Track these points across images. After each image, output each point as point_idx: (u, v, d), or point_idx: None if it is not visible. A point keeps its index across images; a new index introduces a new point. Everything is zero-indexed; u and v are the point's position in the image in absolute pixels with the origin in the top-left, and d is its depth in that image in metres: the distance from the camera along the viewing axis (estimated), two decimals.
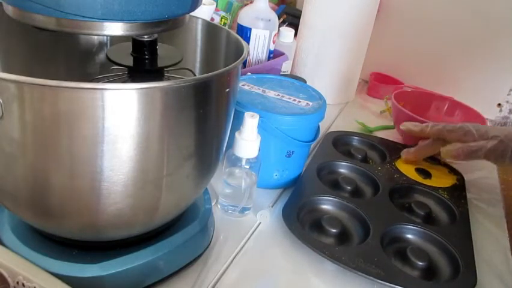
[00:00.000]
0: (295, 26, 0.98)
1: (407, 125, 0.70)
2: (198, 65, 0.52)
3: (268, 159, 0.57)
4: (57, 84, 0.28)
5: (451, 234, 0.54)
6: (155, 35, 0.40)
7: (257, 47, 0.83)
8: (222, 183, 0.54)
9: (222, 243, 0.50)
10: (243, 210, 0.54)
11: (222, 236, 0.51)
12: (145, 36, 0.40)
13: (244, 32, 0.82)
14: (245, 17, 0.82)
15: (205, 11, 0.85)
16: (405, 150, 0.71)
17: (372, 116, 0.93)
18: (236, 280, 0.45)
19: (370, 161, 0.71)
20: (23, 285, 0.34)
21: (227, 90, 0.38)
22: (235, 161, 0.52)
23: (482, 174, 0.76)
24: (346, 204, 0.57)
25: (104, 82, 0.45)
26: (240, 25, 0.83)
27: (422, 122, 0.73)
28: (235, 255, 0.49)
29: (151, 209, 0.38)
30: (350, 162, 0.67)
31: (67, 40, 0.49)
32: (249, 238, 0.52)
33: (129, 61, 0.41)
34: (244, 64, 0.83)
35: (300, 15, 0.93)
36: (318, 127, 0.62)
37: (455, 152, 0.63)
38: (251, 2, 0.86)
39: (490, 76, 0.97)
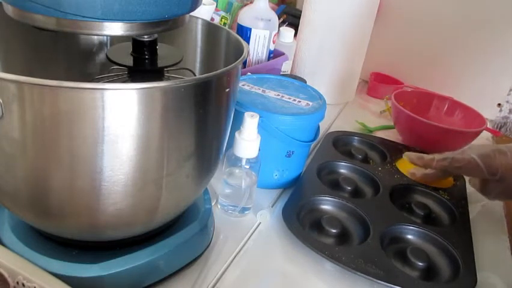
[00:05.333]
0: (295, 26, 0.98)
1: (409, 156, 0.65)
2: (198, 65, 0.52)
3: (268, 159, 0.57)
4: (58, 84, 0.28)
5: (451, 234, 0.54)
6: (155, 35, 0.40)
7: (257, 47, 0.83)
8: (222, 183, 0.54)
9: (222, 243, 0.50)
10: (243, 210, 0.54)
11: (222, 236, 0.51)
12: (145, 36, 0.40)
13: (244, 32, 0.82)
14: (245, 17, 0.82)
15: (205, 11, 0.85)
16: (411, 173, 0.67)
17: (372, 116, 0.93)
18: (236, 280, 0.45)
19: (370, 161, 0.71)
20: (23, 285, 0.34)
21: (227, 90, 0.38)
22: (235, 161, 0.52)
23: None
24: (346, 204, 0.57)
25: (104, 82, 0.45)
26: (240, 25, 0.83)
27: (422, 122, 0.73)
28: (235, 255, 0.49)
29: (151, 209, 0.38)
30: (350, 162, 0.67)
31: (67, 40, 0.49)
32: (249, 238, 0.52)
33: (129, 61, 0.41)
34: (244, 64, 0.83)
35: (300, 15, 0.93)
36: (318, 127, 0.62)
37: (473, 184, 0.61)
38: (251, 2, 0.86)
39: (490, 76, 0.97)
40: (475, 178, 0.61)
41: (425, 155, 0.63)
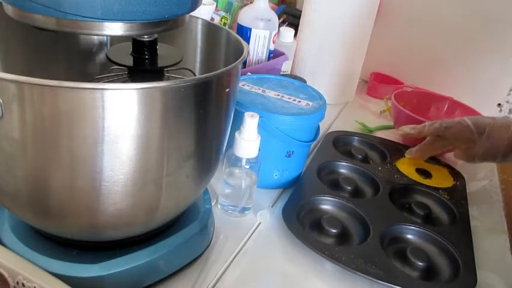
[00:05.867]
0: (295, 26, 0.98)
1: (403, 129, 0.70)
2: (198, 65, 0.52)
3: (268, 159, 0.57)
4: (58, 84, 0.28)
5: (451, 234, 0.54)
6: (155, 35, 0.40)
7: (257, 47, 0.83)
8: (222, 183, 0.54)
9: (222, 243, 0.50)
10: (243, 210, 0.54)
11: (222, 236, 0.51)
12: (145, 36, 0.40)
13: (244, 32, 0.82)
14: (245, 17, 0.82)
15: (205, 11, 0.85)
16: (408, 150, 0.71)
17: (372, 116, 0.93)
18: (236, 280, 0.45)
19: (370, 161, 0.71)
20: (23, 285, 0.34)
21: (227, 90, 0.38)
22: (235, 161, 0.52)
23: (482, 174, 0.76)
24: (346, 204, 0.57)
25: (104, 82, 0.45)
26: (240, 25, 0.83)
27: (422, 122, 0.73)
28: (235, 255, 0.49)
29: (151, 209, 0.38)
30: (350, 162, 0.67)
31: (67, 40, 0.49)
32: (249, 238, 0.52)
33: (129, 61, 0.41)
34: (244, 64, 0.83)
35: (300, 15, 0.93)
36: (318, 127, 0.62)
37: (458, 155, 0.64)
38: (251, 2, 0.86)
39: (490, 76, 0.97)
40: (459, 151, 0.65)
41: (416, 125, 0.68)
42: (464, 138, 0.63)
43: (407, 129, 0.69)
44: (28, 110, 0.29)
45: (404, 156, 0.72)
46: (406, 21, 1.03)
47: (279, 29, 0.88)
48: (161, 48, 0.42)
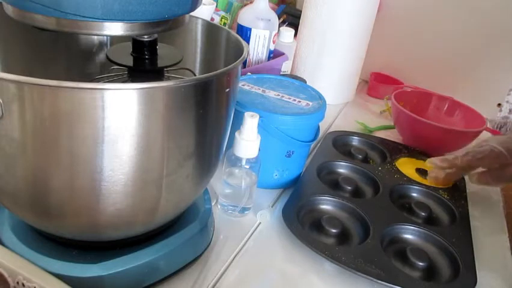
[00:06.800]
0: (295, 26, 0.98)
1: (432, 161, 0.66)
2: (197, 65, 0.52)
3: (268, 159, 0.57)
4: (58, 84, 0.28)
5: (451, 234, 0.54)
6: (155, 35, 0.40)
7: (257, 47, 0.83)
8: (222, 183, 0.54)
9: (222, 243, 0.50)
10: (243, 210, 0.54)
11: (222, 236, 0.51)
12: (145, 36, 0.40)
13: (244, 32, 0.82)
14: (245, 17, 0.82)
15: (205, 11, 0.85)
16: (432, 176, 0.67)
17: (372, 116, 0.93)
18: (236, 280, 0.45)
19: (370, 161, 0.71)
20: (23, 285, 0.34)
21: (227, 90, 0.38)
22: (235, 161, 0.52)
23: None
24: (346, 204, 0.57)
25: (104, 82, 0.45)
26: (240, 25, 0.83)
27: (422, 122, 0.73)
28: (235, 255, 0.49)
29: (151, 209, 0.38)
30: (350, 162, 0.67)
31: (67, 40, 0.49)
32: (249, 238, 0.52)
33: (129, 61, 0.41)
34: (244, 64, 0.83)
35: (300, 15, 0.93)
36: (318, 127, 0.62)
37: (485, 180, 0.62)
38: (251, 2, 0.86)
39: (490, 76, 0.97)
40: (485, 175, 0.62)
41: (447, 157, 0.66)
42: (498, 164, 0.61)
43: (438, 162, 0.66)
44: (28, 110, 0.29)
45: (404, 156, 0.72)
46: (406, 21, 1.03)
47: (279, 29, 0.88)
48: (161, 48, 0.42)
